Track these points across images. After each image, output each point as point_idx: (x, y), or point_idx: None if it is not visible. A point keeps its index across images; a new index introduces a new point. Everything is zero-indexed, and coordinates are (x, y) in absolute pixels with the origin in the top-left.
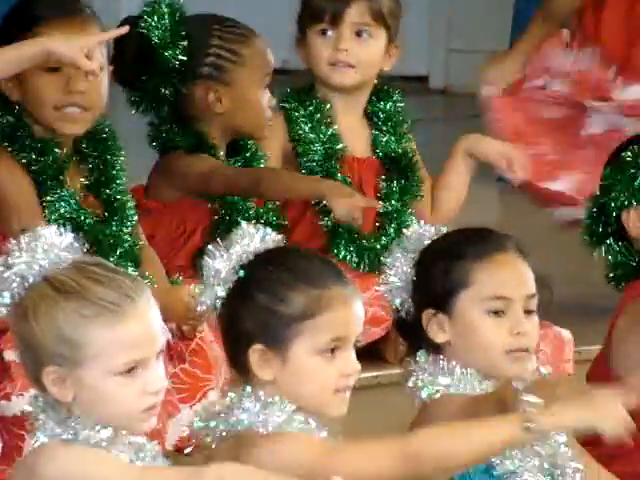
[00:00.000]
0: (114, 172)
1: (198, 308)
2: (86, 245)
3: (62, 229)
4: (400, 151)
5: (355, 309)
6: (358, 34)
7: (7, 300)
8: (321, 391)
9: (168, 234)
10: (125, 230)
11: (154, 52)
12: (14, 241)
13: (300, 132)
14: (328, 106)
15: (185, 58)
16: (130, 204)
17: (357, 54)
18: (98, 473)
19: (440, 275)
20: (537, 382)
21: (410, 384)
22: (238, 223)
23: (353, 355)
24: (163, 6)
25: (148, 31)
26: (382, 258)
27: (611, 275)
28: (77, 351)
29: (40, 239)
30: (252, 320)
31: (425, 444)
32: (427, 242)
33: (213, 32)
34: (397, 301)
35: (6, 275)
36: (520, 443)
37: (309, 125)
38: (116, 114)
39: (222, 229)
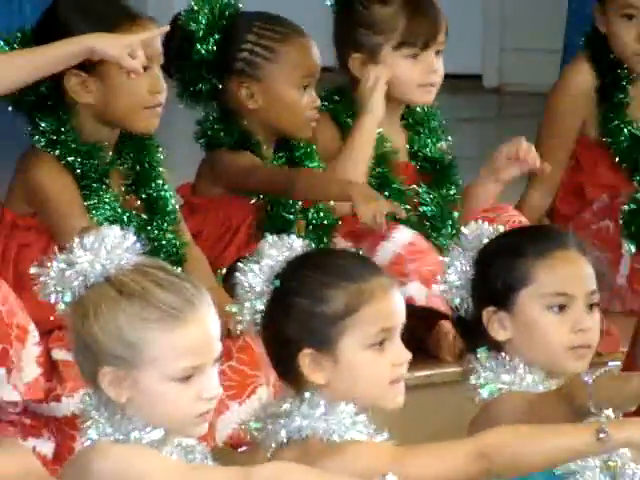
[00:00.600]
0: (153, 172)
1: (237, 326)
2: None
3: (125, 230)
4: (437, 155)
5: (396, 298)
6: (437, 53)
7: (68, 298)
8: (377, 384)
9: (215, 230)
10: (167, 229)
11: (191, 45)
12: (77, 239)
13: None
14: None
15: (216, 51)
16: (171, 203)
17: (441, 73)
18: (148, 470)
19: (501, 273)
20: (607, 377)
21: (472, 381)
22: (284, 219)
23: (401, 344)
24: (205, 1)
25: (186, 24)
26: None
27: None
28: (136, 353)
29: (104, 239)
30: (296, 326)
31: (499, 446)
32: (485, 241)
33: (252, 28)
34: (456, 300)
35: (68, 273)
36: (593, 453)
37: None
38: (172, 112)
39: (268, 225)
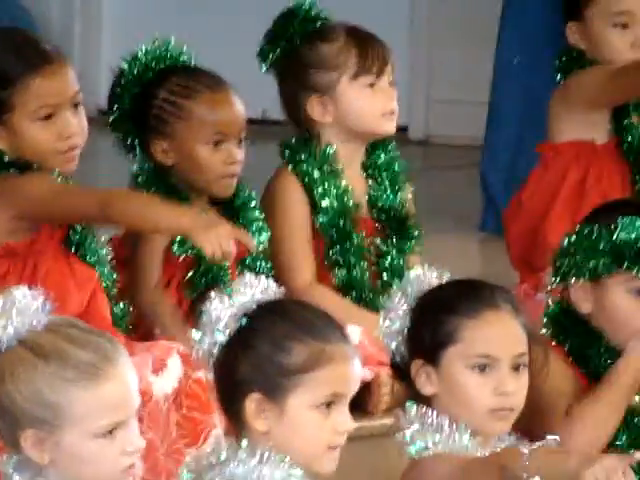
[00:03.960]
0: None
1: (195, 353)
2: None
3: (33, 290)
4: (396, 205)
5: (355, 367)
6: (390, 83)
7: None
8: (314, 446)
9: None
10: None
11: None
12: None
13: (313, 185)
14: (335, 157)
15: (133, 106)
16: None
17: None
18: None
19: (430, 327)
20: (544, 450)
21: (399, 437)
22: (215, 272)
23: (348, 413)
24: (141, 53)
25: (117, 74)
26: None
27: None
28: (57, 414)
29: (14, 301)
30: (252, 369)
31: None
32: (426, 287)
33: (165, 83)
34: (393, 345)
35: None
36: None
37: (320, 179)
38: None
39: (199, 281)
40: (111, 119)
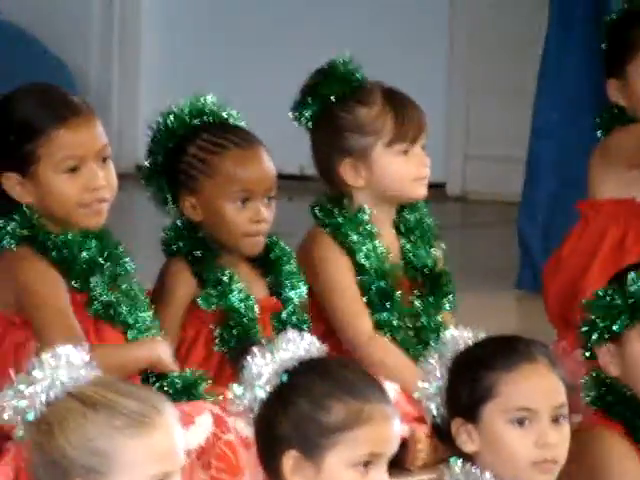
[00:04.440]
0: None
1: (237, 407)
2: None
3: (80, 347)
4: (430, 262)
5: (394, 427)
6: (422, 147)
7: (31, 417)
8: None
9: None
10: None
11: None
12: (34, 360)
13: (353, 247)
14: (370, 219)
15: (165, 161)
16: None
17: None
18: None
19: (468, 385)
20: None
21: None
22: (244, 326)
23: (385, 473)
24: (177, 107)
25: (152, 129)
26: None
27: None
28: (106, 462)
29: (60, 357)
30: (290, 426)
31: None
32: (462, 347)
33: (196, 139)
34: (432, 406)
35: (29, 392)
36: None
37: (359, 241)
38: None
39: (228, 334)
40: (144, 173)
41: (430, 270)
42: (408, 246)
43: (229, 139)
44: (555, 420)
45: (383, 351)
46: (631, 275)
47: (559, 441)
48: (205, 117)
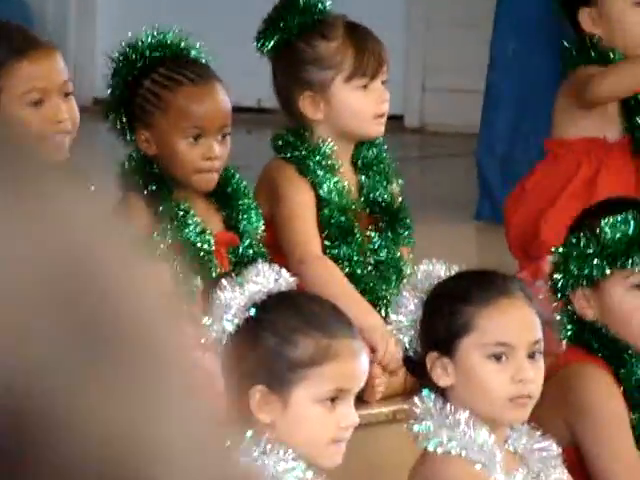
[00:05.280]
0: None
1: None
2: None
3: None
4: (388, 197)
5: (361, 363)
6: (383, 83)
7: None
8: (317, 440)
9: None
10: None
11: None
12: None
13: (315, 179)
14: (332, 153)
15: (121, 93)
16: None
17: (387, 103)
18: None
19: (444, 318)
20: None
21: (415, 429)
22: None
23: (352, 407)
24: (138, 41)
25: (114, 63)
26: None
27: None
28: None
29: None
30: (257, 360)
31: None
32: (436, 280)
33: (151, 73)
34: (405, 339)
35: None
36: None
37: (321, 174)
38: None
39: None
40: (104, 106)
41: (388, 205)
42: (366, 182)
43: (184, 74)
44: (531, 356)
45: (329, 273)
46: (605, 220)
47: (535, 377)
48: (166, 51)
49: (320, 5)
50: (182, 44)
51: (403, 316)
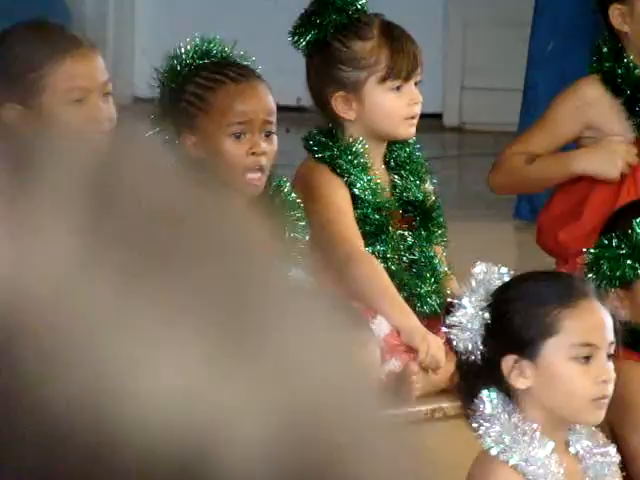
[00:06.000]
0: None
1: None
2: None
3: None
4: (421, 196)
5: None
6: (415, 84)
7: None
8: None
9: None
10: None
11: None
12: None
13: (348, 178)
14: (364, 152)
15: (165, 100)
16: None
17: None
18: None
19: (524, 322)
20: None
21: (479, 431)
22: None
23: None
24: (182, 51)
25: (160, 73)
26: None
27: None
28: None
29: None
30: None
31: None
32: (495, 283)
33: (194, 77)
34: (466, 343)
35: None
36: None
37: (354, 172)
38: None
39: None
40: (152, 116)
41: (421, 205)
42: (399, 181)
43: (225, 74)
44: (609, 356)
45: (374, 269)
46: (637, 221)
47: (613, 377)
48: (211, 59)
49: (357, 4)
50: (226, 51)
51: (463, 318)
